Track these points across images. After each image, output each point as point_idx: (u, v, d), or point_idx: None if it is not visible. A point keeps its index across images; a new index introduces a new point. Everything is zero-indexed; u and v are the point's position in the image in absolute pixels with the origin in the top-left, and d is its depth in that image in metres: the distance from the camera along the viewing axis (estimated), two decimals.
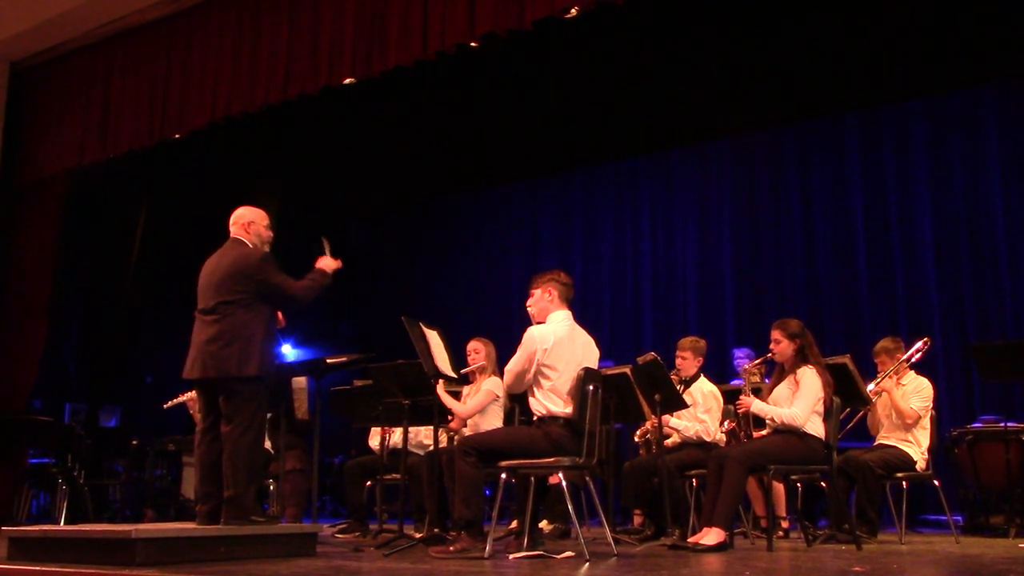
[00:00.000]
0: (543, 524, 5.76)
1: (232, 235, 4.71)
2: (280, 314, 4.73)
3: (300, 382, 6.09)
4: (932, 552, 4.81)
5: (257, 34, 6.85)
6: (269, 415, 6.01)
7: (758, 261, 9.77)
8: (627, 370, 5.45)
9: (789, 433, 4.85)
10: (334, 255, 4.78)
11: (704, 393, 5.85)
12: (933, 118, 8.96)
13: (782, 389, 5.00)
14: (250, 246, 4.64)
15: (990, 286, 8.46)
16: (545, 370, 4.46)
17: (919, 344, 5.87)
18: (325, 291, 4.71)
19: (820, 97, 8.76)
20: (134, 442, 8.57)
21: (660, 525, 5.52)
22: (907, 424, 5.58)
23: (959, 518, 6.41)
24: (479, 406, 5.78)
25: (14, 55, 8.21)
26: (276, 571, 3.70)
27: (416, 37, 6.04)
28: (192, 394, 6.28)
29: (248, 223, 4.69)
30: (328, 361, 5.73)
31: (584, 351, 4.61)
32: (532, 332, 4.53)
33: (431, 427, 5.63)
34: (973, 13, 7.10)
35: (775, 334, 5.07)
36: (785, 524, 6.12)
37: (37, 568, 3.84)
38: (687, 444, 5.80)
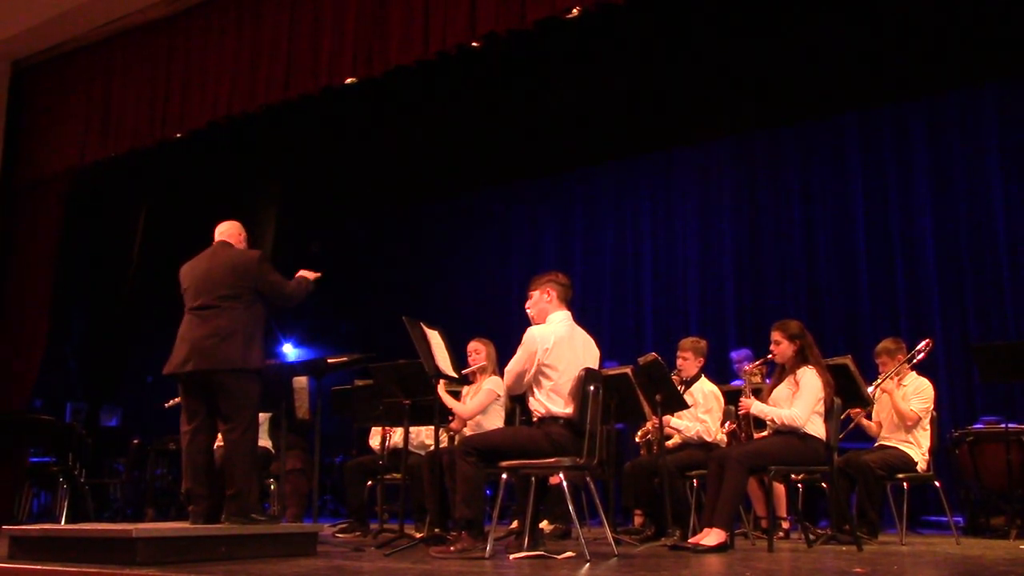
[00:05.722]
0: (544, 524, 5.76)
1: (218, 240, 4.86)
2: None
3: (301, 382, 6.09)
4: (933, 553, 4.81)
5: (258, 33, 6.86)
6: (270, 415, 6.04)
7: (759, 261, 9.76)
8: (628, 370, 5.45)
9: (790, 434, 4.86)
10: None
11: (705, 393, 5.85)
12: (933, 117, 8.95)
13: (782, 390, 5.00)
14: (239, 248, 4.82)
15: (991, 286, 8.44)
16: (546, 370, 4.45)
17: (922, 345, 5.87)
18: (309, 296, 4.98)
19: (820, 96, 8.76)
20: (135, 441, 8.59)
21: (661, 525, 5.51)
22: (907, 425, 5.58)
23: (960, 519, 6.41)
24: (480, 406, 5.78)
25: (16, 54, 8.22)
26: (277, 571, 3.70)
27: (417, 37, 6.04)
28: None
29: (240, 235, 4.94)
30: (329, 361, 5.72)
31: (584, 351, 4.60)
32: (533, 332, 4.53)
33: (432, 427, 5.63)
34: (973, 12, 7.10)
35: (775, 335, 5.07)
36: (786, 525, 6.13)
37: (38, 567, 3.84)
38: (688, 444, 5.80)
